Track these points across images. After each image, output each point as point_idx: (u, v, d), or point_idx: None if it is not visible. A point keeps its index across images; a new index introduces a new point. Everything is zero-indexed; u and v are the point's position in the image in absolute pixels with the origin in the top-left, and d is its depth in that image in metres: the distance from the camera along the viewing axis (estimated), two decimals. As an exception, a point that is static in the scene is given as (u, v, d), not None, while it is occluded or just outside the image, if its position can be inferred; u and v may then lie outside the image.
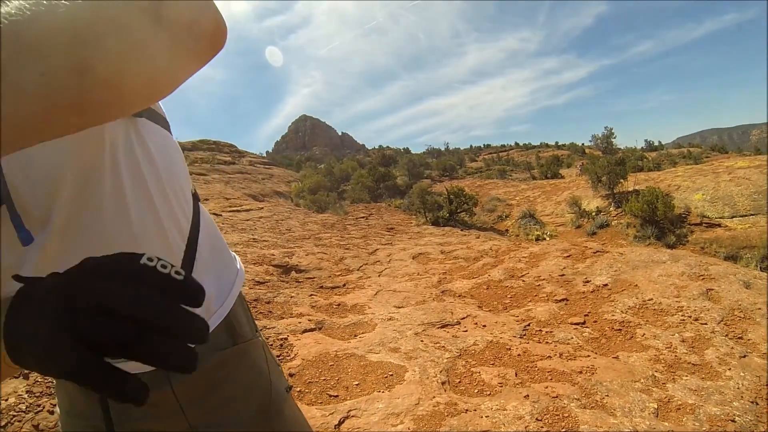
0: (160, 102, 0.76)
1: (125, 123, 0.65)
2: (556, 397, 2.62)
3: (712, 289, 4.14)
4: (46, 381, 2.55)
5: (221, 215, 10.14)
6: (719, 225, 9.43)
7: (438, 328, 3.88)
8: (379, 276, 6.04)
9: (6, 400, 2.32)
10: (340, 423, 2.35)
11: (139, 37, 0.40)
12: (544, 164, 23.78)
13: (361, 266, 6.58)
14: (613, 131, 25.69)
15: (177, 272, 0.37)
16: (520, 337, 3.67)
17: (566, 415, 2.42)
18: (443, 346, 3.38)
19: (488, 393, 2.72)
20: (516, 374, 2.97)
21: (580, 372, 2.97)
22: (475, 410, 2.45)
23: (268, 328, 3.65)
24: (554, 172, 22.15)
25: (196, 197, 0.85)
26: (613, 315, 3.96)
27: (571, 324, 3.92)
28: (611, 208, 11.80)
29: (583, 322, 3.94)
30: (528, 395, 2.62)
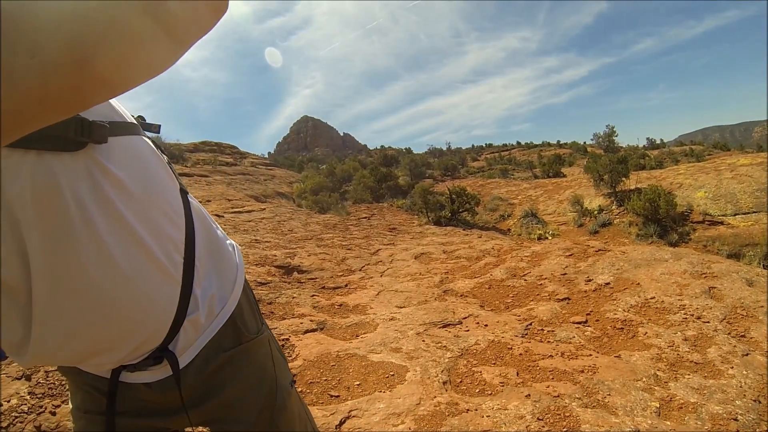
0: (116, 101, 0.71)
1: (83, 161, 0.59)
2: (558, 396, 2.61)
3: (715, 287, 4.12)
4: (48, 382, 2.56)
5: (223, 216, 10.15)
6: (722, 223, 9.40)
7: (440, 327, 3.87)
8: (381, 276, 6.04)
9: (8, 401, 2.32)
10: (341, 423, 2.35)
11: (135, 29, 0.40)
12: (545, 163, 23.72)
13: (363, 266, 6.58)
14: (614, 129, 25.62)
15: None
16: (522, 337, 3.66)
17: (567, 414, 2.41)
18: (445, 346, 3.38)
19: (489, 392, 2.72)
20: (517, 373, 2.96)
21: (582, 371, 2.96)
22: (476, 410, 2.45)
23: (270, 329, 3.65)
24: (556, 170, 22.11)
25: (183, 192, 0.83)
26: (615, 314, 3.95)
27: (573, 323, 3.91)
28: (613, 207, 11.77)
29: (585, 321, 3.93)
30: (529, 395, 2.61)
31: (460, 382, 2.87)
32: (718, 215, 9.61)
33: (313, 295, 4.95)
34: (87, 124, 0.58)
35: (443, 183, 19.99)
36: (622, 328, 3.68)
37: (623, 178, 12.26)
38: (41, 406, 2.36)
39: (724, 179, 10.55)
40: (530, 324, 3.93)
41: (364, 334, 3.74)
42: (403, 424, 2.31)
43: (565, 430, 2.29)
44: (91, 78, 0.38)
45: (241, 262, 0.96)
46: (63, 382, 2.56)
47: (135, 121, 0.75)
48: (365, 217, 12.96)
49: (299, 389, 2.75)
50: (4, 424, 2.16)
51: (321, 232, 9.49)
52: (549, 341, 3.56)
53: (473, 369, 3.04)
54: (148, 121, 0.86)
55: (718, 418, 2.40)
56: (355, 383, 2.82)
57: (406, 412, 2.43)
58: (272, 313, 4.19)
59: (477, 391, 2.75)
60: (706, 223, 9.59)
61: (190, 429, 0.91)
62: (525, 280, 5.30)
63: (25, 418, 2.25)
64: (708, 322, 3.55)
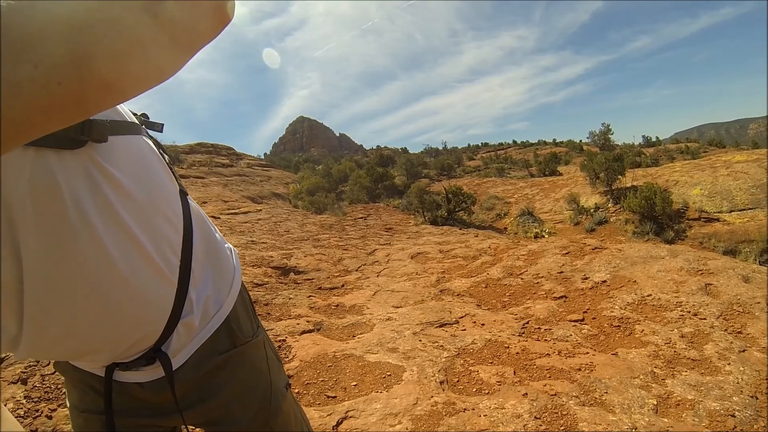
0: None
1: (82, 160, 0.58)
2: (555, 395, 2.61)
3: (711, 284, 4.13)
4: (44, 386, 2.55)
5: (219, 218, 10.12)
6: (717, 220, 9.43)
7: (436, 327, 3.87)
8: (377, 276, 6.04)
9: (5, 404, 2.31)
10: (338, 424, 2.34)
11: (138, 35, 0.40)
12: (542, 162, 23.75)
13: (359, 267, 6.58)
14: (610, 127, 25.61)
15: None
16: (519, 335, 3.66)
17: (565, 412, 2.41)
18: (441, 346, 3.37)
19: (486, 392, 2.71)
20: (514, 372, 2.96)
21: (579, 369, 2.96)
22: (474, 409, 2.44)
23: (267, 330, 3.64)
24: (552, 169, 22.15)
25: (183, 193, 0.82)
26: (611, 311, 3.95)
27: (570, 321, 3.92)
28: (609, 205, 11.79)
29: (582, 319, 3.93)
30: (526, 393, 2.61)
31: (457, 381, 2.87)
32: (714, 212, 9.64)
33: (310, 296, 4.93)
34: (87, 122, 0.57)
35: (439, 182, 19.99)
36: (619, 326, 3.68)
37: (619, 176, 12.28)
38: (37, 410, 2.35)
39: (719, 176, 10.58)
40: (527, 322, 3.93)
41: (361, 334, 3.74)
42: (400, 425, 2.31)
43: (562, 428, 2.28)
44: (95, 86, 0.38)
45: (238, 265, 0.96)
46: (59, 386, 2.54)
47: (136, 121, 0.75)
48: (362, 218, 12.96)
49: (296, 390, 2.73)
50: (0, 429, 2.14)
51: (317, 233, 9.48)
52: (546, 340, 3.56)
53: (470, 368, 3.04)
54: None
55: (716, 414, 2.40)
56: (352, 384, 2.81)
57: (403, 412, 2.42)
58: (269, 314, 4.18)
59: (474, 390, 2.75)
60: (702, 220, 9.62)
61: (186, 430, 0.91)
62: (522, 278, 5.31)
63: (22, 422, 2.23)
64: (704, 318, 3.55)
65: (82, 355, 0.72)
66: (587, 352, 3.27)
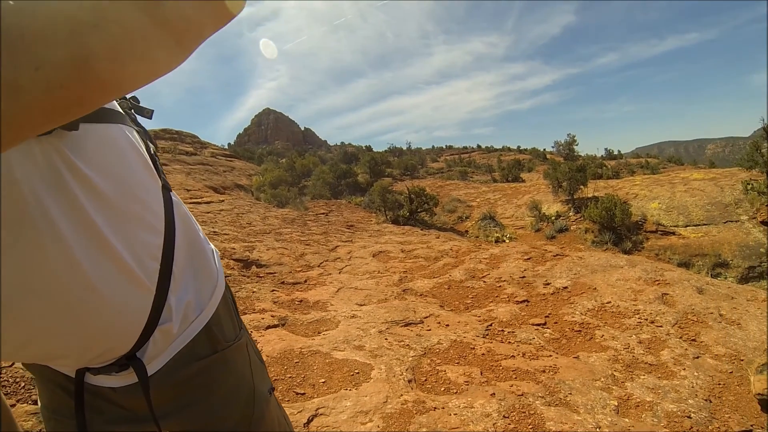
0: None
1: (47, 151, 0.52)
2: (522, 395, 2.65)
3: (667, 294, 4.31)
4: (2, 379, 2.35)
5: (181, 207, 9.83)
6: (673, 233, 9.87)
7: (401, 326, 3.87)
8: (339, 273, 5.99)
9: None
10: (309, 421, 2.29)
11: (138, 36, 0.39)
12: (505, 168, 24.20)
13: (321, 263, 6.51)
14: (575, 138, 26.34)
15: None
16: (483, 337, 3.70)
17: (532, 412, 2.45)
18: (408, 345, 3.37)
19: (455, 391, 2.73)
20: (481, 373, 2.99)
21: (543, 371, 3.02)
22: (443, 408, 2.45)
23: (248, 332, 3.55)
24: (515, 175, 22.62)
25: (166, 190, 0.75)
26: (572, 317, 4.05)
27: (533, 325, 3.99)
28: (570, 213, 12.14)
29: (544, 323, 4.02)
30: (494, 393, 2.63)
31: (425, 380, 2.87)
32: (671, 226, 10.08)
33: (273, 290, 4.84)
34: None
35: (402, 182, 20.06)
36: (580, 331, 3.78)
37: (581, 186, 12.64)
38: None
39: (677, 192, 11.08)
40: (491, 325, 3.98)
41: (326, 331, 3.69)
42: (372, 422, 2.28)
43: (530, 427, 2.32)
44: (95, 86, 0.38)
45: (220, 268, 0.90)
46: (17, 379, 2.36)
47: (118, 108, 0.69)
48: (323, 213, 12.86)
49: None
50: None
51: (279, 227, 9.34)
52: (510, 342, 3.62)
53: (437, 368, 3.05)
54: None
55: (673, 415, 2.50)
56: (320, 381, 2.76)
57: (373, 410, 2.40)
58: (232, 307, 4.08)
59: (443, 389, 2.76)
60: (659, 233, 10.04)
61: None
62: (484, 281, 5.38)
63: None
64: (661, 326, 3.70)
65: (47, 361, 0.68)
66: (550, 355, 3.34)
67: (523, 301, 4.63)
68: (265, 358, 3.00)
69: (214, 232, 7.57)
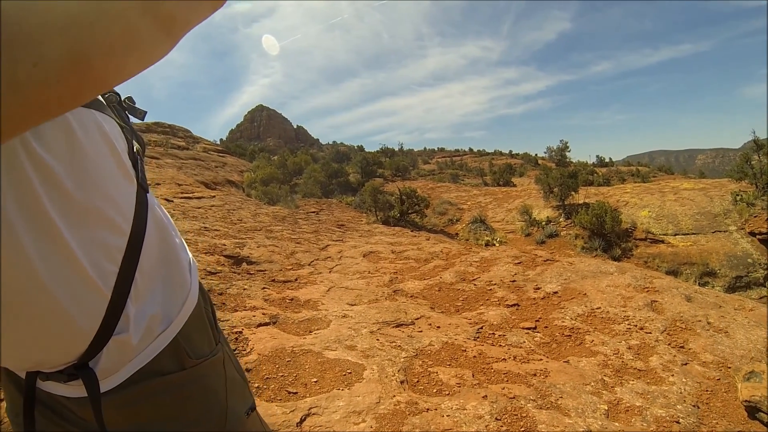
0: None
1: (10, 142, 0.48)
2: (514, 397, 2.66)
3: (656, 301, 4.35)
4: None
5: (173, 201, 9.73)
6: (663, 241, 9.99)
7: (393, 327, 3.87)
8: (330, 272, 5.97)
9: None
10: (302, 421, 2.28)
11: (135, 32, 0.40)
12: (497, 171, 24.32)
13: (312, 261, 6.49)
14: (568, 145, 26.54)
15: None
16: (474, 340, 3.71)
17: (524, 415, 2.47)
18: (399, 346, 3.37)
19: (447, 393, 2.73)
20: (473, 375, 3.00)
21: (535, 374, 3.04)
22: (436, 409, 2.45)
23: (223, 321, 3.52)
24: (507, 180, 22.75)
25: (142, 190, 0.70)
26: (563, 321, 4.08)
27: (523, 329, 4.02)
28: (561, 219, 12.22)
29: (535, 327, 4.04)
30: (486, 395, 2.64)
31: (417, 381, 2.87)
32: (660, 234, 10.21)
33: (264, 288, 4.82)
34: None
35: (393, 183, 20.04)
36: (570, 335, 3.81)
37: (572, 192, 12.72)
38: None
39: (667, 201, 11.22)
40: (481, 328, 4.00)
41: (318, 330, 3.68)
42: (365, 423, 2.28)
43: (522, 429, 2.33)
44: (89, 80, 0.38)
45: (195, 280, 0.85)
46: None
47: (99, 97, 0.65)
48: (314, 212, 12.83)
49: (255, 385, 2.64)
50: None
51: (270, 224, 9.29)
52: (501, 345, 3.64)
53: (429, 369, 3.05)
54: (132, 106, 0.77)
55: (662, 420, 2.53)
56: (313, 380, 2.75)
57: (366, 410, 2.39)
58: (224, 304, 4.04)
59: (435, 391, 2.76)
60: (648, 240, 10.16)
61: None
62: (474, 284, 5.40)
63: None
64: (650, 332, 3.74)
65: None
66: (541, 359, 3.36)
67: (514, 304, 4.65)
68: (256, 356, 2.99)
69: (205, 227, 7.51)
